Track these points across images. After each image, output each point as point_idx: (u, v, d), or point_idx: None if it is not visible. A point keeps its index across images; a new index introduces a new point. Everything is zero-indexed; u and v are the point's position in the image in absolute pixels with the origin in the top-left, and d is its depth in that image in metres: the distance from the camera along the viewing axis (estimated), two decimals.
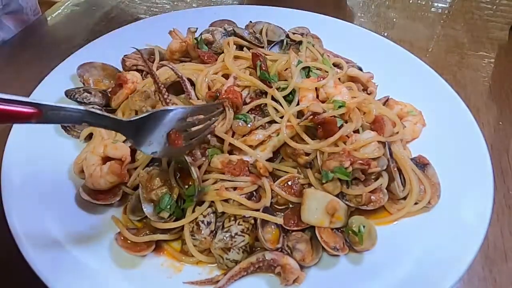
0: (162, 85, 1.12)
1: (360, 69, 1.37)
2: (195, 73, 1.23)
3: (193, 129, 1.01)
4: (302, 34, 1.42)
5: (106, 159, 1.06)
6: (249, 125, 1.10)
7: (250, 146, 1.07)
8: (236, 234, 0.95)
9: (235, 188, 1.02)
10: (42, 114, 0.70)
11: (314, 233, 0.98)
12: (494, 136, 1.32)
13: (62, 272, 0.88)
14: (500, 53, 1.69)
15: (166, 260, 0.97)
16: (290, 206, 1.06)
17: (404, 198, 1.07)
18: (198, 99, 1.17)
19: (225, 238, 0.95)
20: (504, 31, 1.81)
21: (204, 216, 0.98)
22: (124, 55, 1.36)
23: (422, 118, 1.25)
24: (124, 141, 1.09)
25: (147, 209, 0.99)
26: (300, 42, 1.38)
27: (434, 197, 1.06)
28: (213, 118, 1.07)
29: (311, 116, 1.06)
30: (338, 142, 1.07)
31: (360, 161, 1.02)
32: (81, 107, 0.77)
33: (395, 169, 1.08)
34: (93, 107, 1.20)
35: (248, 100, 1.18)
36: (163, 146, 0.94)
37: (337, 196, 1.03)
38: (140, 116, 0.88)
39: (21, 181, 1.02)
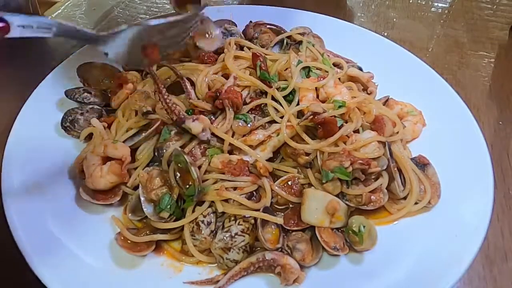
0: (162, 85, 1.12)
1: (360, 69, 1.37)
2: (195, 73, 1.23)
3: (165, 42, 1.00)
4: (303, 34, 1.42)
5: (106, 159, 1.06)
6: (249, 125, 1.10)
7: (250, 146, 1.07)
8: (236, 234, 0.95)
9: (235, 188, 1.02)
10: (10, 28, 0.71)
11: (314, 233, 0.98)
12: (494, 136, 1.33)
13: (62, 272, 0.88)
14: (500, 53, 1.69)
15: (166, 260, 0.97)
16: (290, 206, 1.06)
17: (404, 198, 1.07)
18: (198, 99, 1.17)
19: (225, 238, 0.95)
20: (504, 31, 1.81)
21: (204, 216, 0.98)
22: None
23: (422, 118, 1.25)
24: (125, 141, 1.09)
25: (147, 209, 0.99)
26: (300, 42, 1.39)
27: (434, 197, 1.06)
28: (190, 27, 1.06)
29: (311, 116, 1.06)
30: (338, 142, 1.08)
31: (360, 161, 1.02)
32: (49, 19, 0.79)
33: (395, 169, 1.08)
34: (93, 107, 1.21)
35: (248, 100, 1.18)
36: (139, 58, 0.97)
37: (337, 196, 1.03)
38: (114, 31, 0.89)
39: (21, 181, 1.02)
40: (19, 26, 0.72)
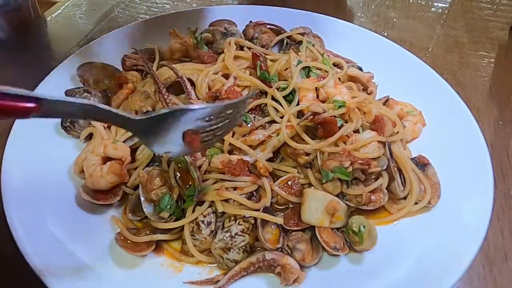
0: (162, 85, 1.12)
1: (360, 69, 1.37)
2: (195, 73, 1.23)
3: (214, 127, 0.86)
4: (303, 34, 1.42)
5: (106, 159, 1.06)
6: (249, 125, 1.10)
7: (250, 146, 1.07)
8: (236, 234, 0.95)
9: (235, 188, 1.02)
10: (42, 109, 0.64)
11: (314, 233, 0.98)
12: (494, 136, 1.33)
13: (62, 272, 0.88)
14: (500, 53, 1.69)
15: (166, 260, 0.97)
16: (290, 206, 1.06)
17: (404, 198, 1.07)
18: (198, 99, 1.17)
19: (225, 238, 0.95)
20: (504, 31, 1.81)
21: (204, 216, 0.98)
22: (124, 55, 1.36)
23: (422, 118, 1.25)
24: (125, 141, 1.09)
25: (147, 209, 0.99)
26: (300, 42, 1.39)
27: (434, 197, 1.06)
28: (238, 111, 0.89)
29: (311, 116, 1.06)
30: (338, 142, 1.08)
31: (360, 161, 1.02)
32: (86, 101, 0.71)
33: (395, 169, 1.08)
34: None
35: None
36: (179, 146, 0.83)
37: (337, 196, 1.03)
38: (152, 115, 0.77)
39: (21, 181, 1.02)
40: (51, 107, 0.65)
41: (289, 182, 1.06)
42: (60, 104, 0.67)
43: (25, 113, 0.64)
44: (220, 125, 0.86)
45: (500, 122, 1.38)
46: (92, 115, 0.74)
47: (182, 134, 0.82)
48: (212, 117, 0.83)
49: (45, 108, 0.65)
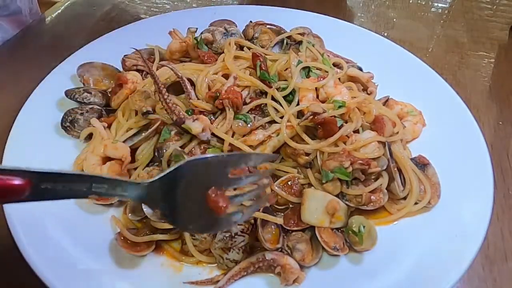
0: (162, 85, 1.12)
1: (360, 69, 1.37)
2: (195, 73, 1.23)
3: (241, 183, 0.74)
4: (303, 34, 1.42)
5: (106, 159, 1.06)
6: (249, 125, 1.10)
7: (250, 146, 1.07)
8: (236, 234, 0.95)
9: (235, 188, 1.02)
10: (33, 187, 0.54)
11: (314, 233, 0.98)
12: (494, 136, 1.32)
13: (62, 272, 0.88)
14: (500, 53, 1.69)
15: (166, 260, 0.97)
16: (290, 206, 1.06)
17: (404, 198, 1.07)
18: (198, 99, 1.17)
19: (225, 238, 0.94)
20: (504, 31, 1.81)
21: None
22: (124, 55, 1.36)
23: (422, 118, 1.25)
24: (125, 141, 1.09)
25: (147, 209, 0.99)
26: (300, 42, 1.38)
27: (434, 197, 1.06)
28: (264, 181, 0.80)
29: (311, 116, 1.06)
30: (338, 142, 1.07)
31: (360, 161, 1.02)
32: (86, 173, 0.61)
33: (395, 169, 1.08)
34: (93, 107, 1.21)
35: (248, 100, 1.18)
36: (203, 212, 0.69)
37: (337, 196, 1.03)
38: (162, 174, 0.67)
39: None
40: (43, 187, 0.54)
41: (289, 182, 1.06)
42: (56, 179, 0.55)
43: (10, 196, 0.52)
44: (247, 181, 0.74)
45: (500, 122, 1.38)
46: (95, 191, 0.62)
47: (203, 195, 0.69)
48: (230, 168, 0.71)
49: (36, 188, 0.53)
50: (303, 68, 1.23)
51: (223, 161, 0.72)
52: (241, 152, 0.83)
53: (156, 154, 1.08)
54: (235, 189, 0.76)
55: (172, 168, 0.66)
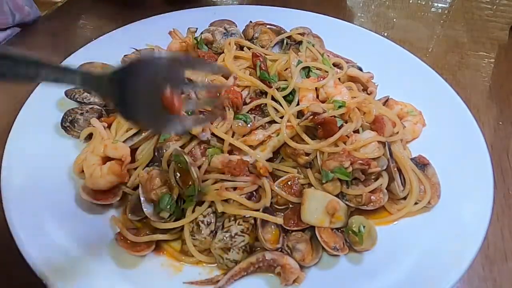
0: None
1: (360, 69, 1.37)
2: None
3: (197, 88, 0.76)
4: (303, 34, 1.42)
5: (106, 159, 1.06)
6: (249, 125, 1.10)
7: (250, 146, 1.07)
8: (236, 234, 0.95)
9: (235, 188, 1.02)
10: None
11: (314, 233, 0.98)
12: (494, 136, 1.32)
13: (62, 272, 0.88)
14: (500, 53, 1.69)
15: (166, 260, 0.97)
16: (290, 206, 1.06)
17: (404, 198, 1.07)
18: (198, 99, 1.16)
19: (225, 238, 0.95)
20: (504, 31, 1.81)
21: (204, 216, 0.98)
22: (124, 55, 1.36)
23: (422, 118, 1.25)
24: (125, 141, 1.09)
25: (147, 209, 0.99)
26: (300, 42, 1.39)
27: (434, 197, 1.06)
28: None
29: (311, 116, 1.06)
30: (338, 142, 1.08)
31: (360, 161, 1.02)
32: (34, 57, 0.60)
33: (395, 169, 1.08)
34: (93, 107, 1.21)
35: (248, 100, 1.18)
36: (156, 109, 0.70)
37: (337, 196, 1.03)
38: (117, 69, 0.68)
39: (21, 181, 1.02)
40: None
41: (289, 182, 1.06)
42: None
43: None
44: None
45: (500, 122, 1.38)
46: (45, 77, 0.63)
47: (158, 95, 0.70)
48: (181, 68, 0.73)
49: None
50: (303, 68, 1.23)
51: (178, 60, 0.73)
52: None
53: (156, 154, 1.08)
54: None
55: (127, 63, 0.67)
